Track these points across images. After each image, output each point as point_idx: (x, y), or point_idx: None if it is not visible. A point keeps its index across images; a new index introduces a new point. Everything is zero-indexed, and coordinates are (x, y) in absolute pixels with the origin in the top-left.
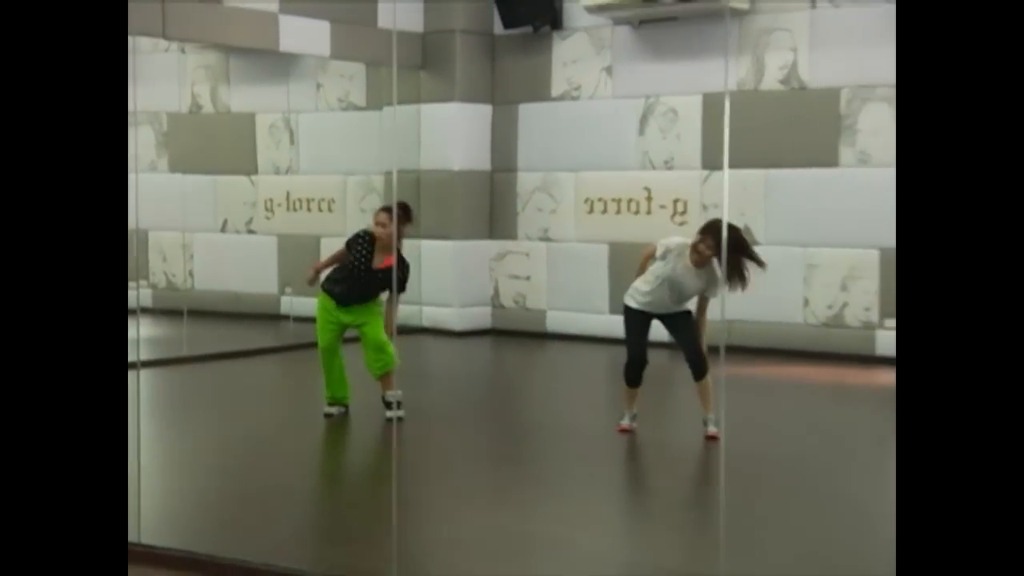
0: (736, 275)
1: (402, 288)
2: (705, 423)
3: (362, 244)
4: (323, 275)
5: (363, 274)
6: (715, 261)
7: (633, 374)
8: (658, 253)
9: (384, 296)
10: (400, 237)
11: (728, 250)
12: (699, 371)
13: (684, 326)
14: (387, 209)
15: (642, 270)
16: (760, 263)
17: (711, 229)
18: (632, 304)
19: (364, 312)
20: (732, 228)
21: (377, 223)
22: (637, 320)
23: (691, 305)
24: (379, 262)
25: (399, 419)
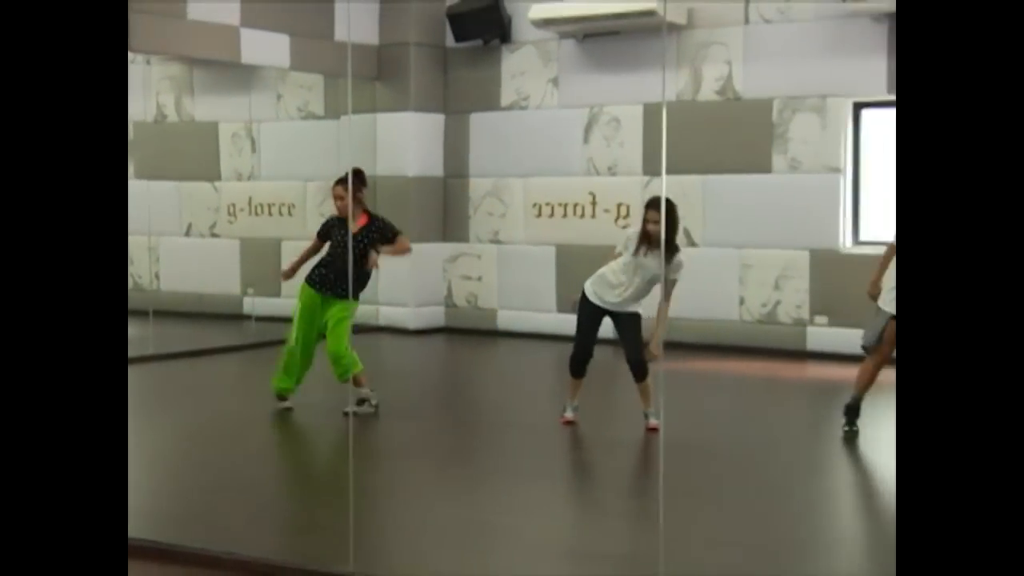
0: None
1: (396, 236)
2: (646, 416)
3: (337, 226)
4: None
5: (345, 247)
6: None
7: (578, 366)
8: (619, 248)
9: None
10: (359, 202)
11: (667, 223)
12: (640, 374)
13: (632, 328)
14: (342, 181)
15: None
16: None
17: (654, 203)
18: (590, 297)
19: (341, 310)
20: (669, 203)
21: (335, 196)
22: (590, 314)
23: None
24: (354, 228)
25: (355, 414)
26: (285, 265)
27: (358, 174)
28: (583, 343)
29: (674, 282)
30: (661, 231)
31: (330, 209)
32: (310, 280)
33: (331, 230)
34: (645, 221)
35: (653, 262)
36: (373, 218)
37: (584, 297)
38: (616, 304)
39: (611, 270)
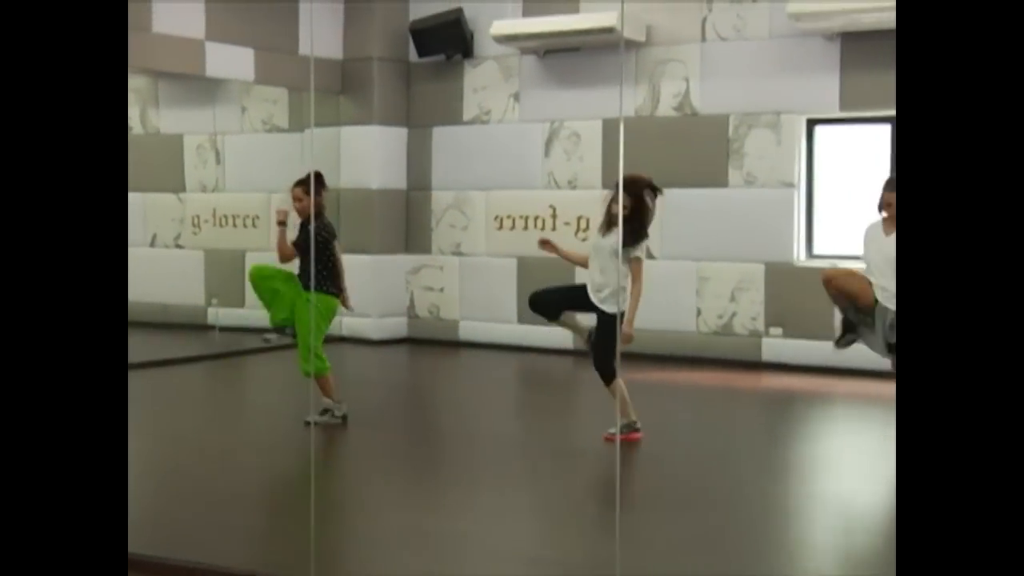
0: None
1: (333, 236)
2: (631, 426)
3: (303, 231)
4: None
5: (307, 243)
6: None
7: (540, 302)
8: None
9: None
10: (319, 206)
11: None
12: (605, 377)
13: (606, 330)
14: (301, 183)
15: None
16: (655, 190)
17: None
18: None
19: (324, 302)
20: (653, 187)
21: (294, 198)
22: (579, 291)
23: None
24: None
25: (340, 424)
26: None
27: (319, 178)
28: (551, 294)
29: (638, 260)
30: (620, 212)
31: (293, 220)
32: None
33: (300, 237)
34: (609, 203)
35: (611, 239)
36: (324, 227)
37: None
38: (599, 301)
39: (590, 272)
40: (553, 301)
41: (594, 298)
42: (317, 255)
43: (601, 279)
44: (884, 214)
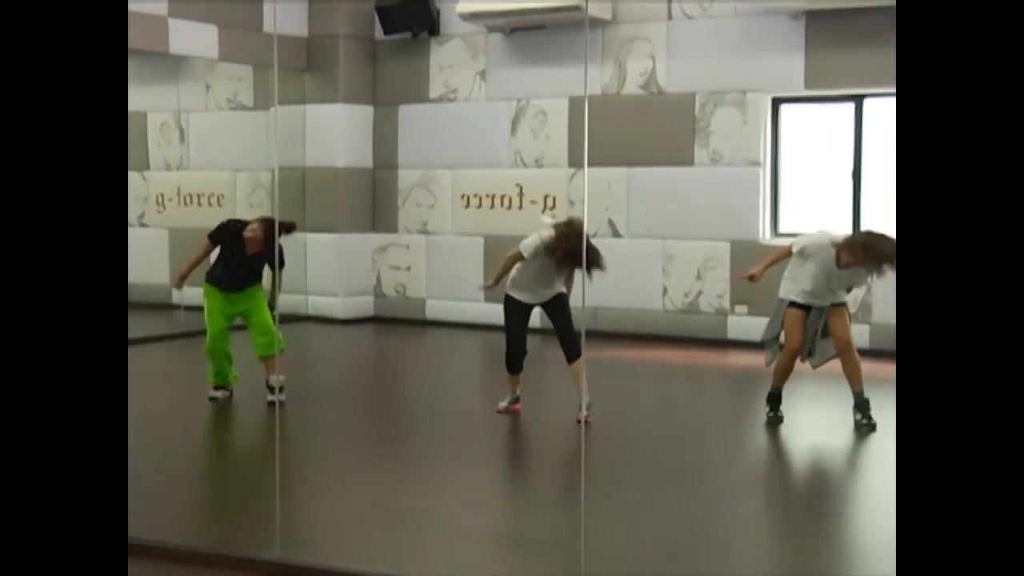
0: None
1: (282, 264)
2: (580, 406)
3: (231, 235)
4: (196, 274)
5: (240, 262)
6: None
7: (515, 362)
8: (526, 253)
9: (267, 280)
10: (276, 245)
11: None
12: (572, 355)
13: (560, 310)
14: (265, 221)
15: (505, 269)
16: (600, 266)
17: (571, 226)
18: (516, 296)
19: (248, 298)
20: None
21: (250, 231)
22: (520, 311)
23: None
24: (251, 250)
25: (281, 403)
26: (174, 277)
27: (271, 226)
28: (516, 340)
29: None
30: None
31: (259, 199)
32: (213, 279)
33: (223, 235)
34: (563, 243)
35: (565, 273)
36: (270, 247)
37: (509, 297)
38: (539, 298)
39: (524, 276)
40: (522, 340)
41: (533, 296)
42: (249, 267)
43: (538, 281)
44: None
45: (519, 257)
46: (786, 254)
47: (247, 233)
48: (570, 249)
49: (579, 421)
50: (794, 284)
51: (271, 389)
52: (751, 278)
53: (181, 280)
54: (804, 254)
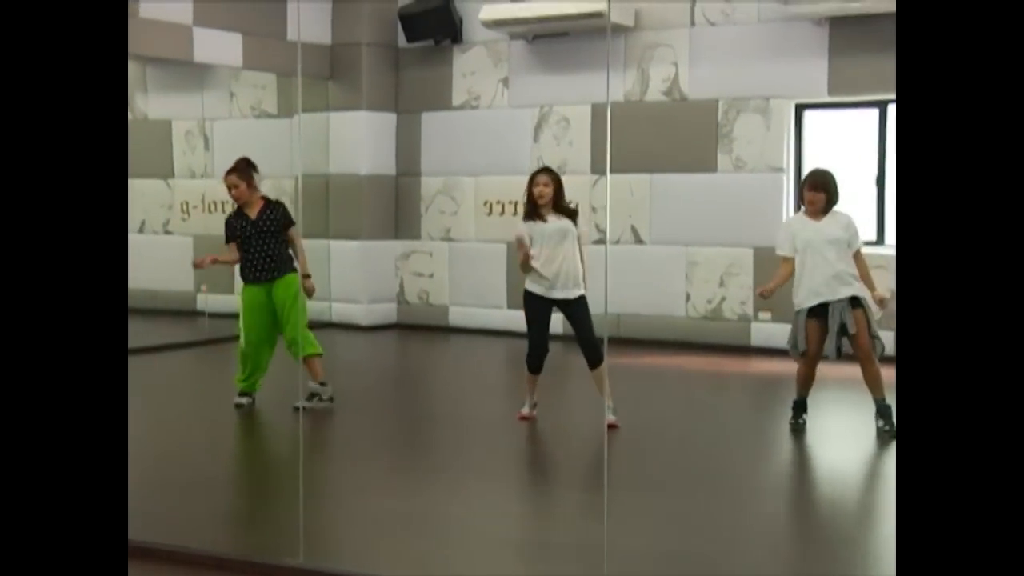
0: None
1: (290, 223)
2: (608, 410)
3: (236, 219)
4: (220, 280)
5: (253, 233)
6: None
7: (535, 361)
8: (527, 241)
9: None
10: (254, 189)
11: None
12: (594, 360)
13: (581, 313)
14: (233, 170)
15: (525, 256)
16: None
17: (538, 171)
18: (534, 291)
19: (284, 289)
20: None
21: (229, 186)
22: (539, 308)
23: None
24: (253, 215)
25: (325, 409)
26: (205, 258)
27: (248, 162)
28: (538, 338)
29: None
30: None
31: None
32: (244, 277)
33: (233, 225)
34: (529, 190)
35: (549, 223)
36: (269, 202)
37: (528, 293)
38: (560, 291)
39: (537, 263)
40: (544, 338)
41: (548, 283)
42: (266, 243)
43: (544, 258)
44: (804, 208)
45: (521, 242)
46: (789, 264)
47: (228, 189)
48: (537, 178)
49: (610, 426)
50: (801, 287)
51: (312, 395)
52: (763, 295)
53: (210, 261)
54: (795, 248)
